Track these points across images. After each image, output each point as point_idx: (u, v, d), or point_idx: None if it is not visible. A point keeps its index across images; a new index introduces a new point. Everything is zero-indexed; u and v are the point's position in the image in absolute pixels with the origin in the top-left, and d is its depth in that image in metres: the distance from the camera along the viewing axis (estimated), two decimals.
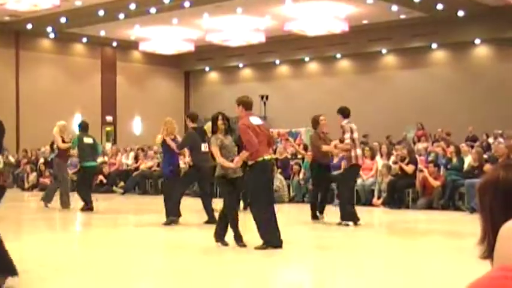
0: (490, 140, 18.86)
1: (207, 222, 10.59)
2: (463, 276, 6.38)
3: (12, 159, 23.02)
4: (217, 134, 8.32)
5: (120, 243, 9.07)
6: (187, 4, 20.57)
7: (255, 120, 8.30)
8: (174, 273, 6.93)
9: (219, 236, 8.14)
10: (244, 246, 8.04)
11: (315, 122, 11.40)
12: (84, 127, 14.15)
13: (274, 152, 15.27)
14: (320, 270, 7.29)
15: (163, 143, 10.91)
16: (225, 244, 8.11)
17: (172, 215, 10.60)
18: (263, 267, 7.19)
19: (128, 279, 6.59)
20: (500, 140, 18.80)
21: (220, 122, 8.35)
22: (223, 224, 8.16)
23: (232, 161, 8.05)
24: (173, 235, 9.88)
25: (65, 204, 13.61)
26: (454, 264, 7.27)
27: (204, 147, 10.59)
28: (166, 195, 10.90)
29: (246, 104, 8.36)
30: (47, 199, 13.96)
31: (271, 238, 7.95)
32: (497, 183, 1.71)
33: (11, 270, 5.66)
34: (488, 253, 1.69)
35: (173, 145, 10.74)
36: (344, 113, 10.65)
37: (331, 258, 7.95)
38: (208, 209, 10.82)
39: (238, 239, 8.10)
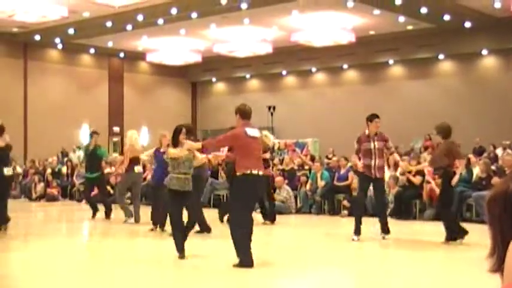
0: (498, 151, 18.81)
1: (199, 232, 10.69)
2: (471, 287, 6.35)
3: (19, 170, 23.09)
4: (175, 148, 8.01)
5: (125, 254, 9.06)
6: (194, 15, 20.65)
7: (252, 132, 7.71)
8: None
9: (177, 247, 7.97)
10: (182, 258, 7.86)
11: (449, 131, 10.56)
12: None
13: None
14: (324, 282, 7.26)
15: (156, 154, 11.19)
16: (182, 257, 7.90)
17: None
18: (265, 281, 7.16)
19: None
20: (509, 151, 18.75)
21: (182, 136, 8.08)
22: (182, 235, 8.04)
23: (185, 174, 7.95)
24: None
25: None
26: (462, 276, 7.23)
27: None
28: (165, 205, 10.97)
29: (243, 113, 7.85)
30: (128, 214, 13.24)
31: (244, 257, 7.37)
32: (507, 195, 1.70)
33: None
34: (498, 266, 1.68)
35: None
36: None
37: (338, 269, 7.92)
38: (201, 219, 10.89)
39: (180, 250, 7.94)
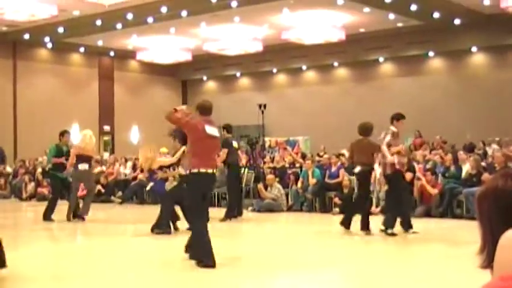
0: (488, 148, 18.90)
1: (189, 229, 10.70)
2: (461, 284, 6.38)
3: (9, 169, 22.99)
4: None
5: (116, 253, 9.05)
6: (184, 13, 20.61)
7: (211, 130, 7.58)
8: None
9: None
10: None
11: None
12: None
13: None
14: (317, 280, 7.28)
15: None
16: None
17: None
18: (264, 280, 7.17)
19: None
20: (494, 146, 18.86)
21: None
22: None
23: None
24: (164, 244, 9.85)
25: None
26: (452, 272, 7.26)
27: None
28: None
29: (202, 108, 7.71)
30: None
31: (204, 256, 7.34)
32: (496, 192, 1.71)
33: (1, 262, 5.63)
34: (488, 262, 1.69)
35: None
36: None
37: (330, 267, 7.93)
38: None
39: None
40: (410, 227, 10.62)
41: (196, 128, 7.50)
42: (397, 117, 10.61)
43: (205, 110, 7.70)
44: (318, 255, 8.93)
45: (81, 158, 13.12)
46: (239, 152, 14.59)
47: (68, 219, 13.26)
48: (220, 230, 11.10)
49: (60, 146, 13.84)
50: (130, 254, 8.67)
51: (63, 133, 14.08)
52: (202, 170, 7.36)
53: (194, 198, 7.54)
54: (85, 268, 7.93)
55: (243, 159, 16.79)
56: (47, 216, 13.41)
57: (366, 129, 10.81)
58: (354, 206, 11.12)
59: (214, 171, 7.57)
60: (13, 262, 6.63)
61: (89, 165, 13.45)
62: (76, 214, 13.42)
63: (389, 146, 10.43)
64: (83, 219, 13.33)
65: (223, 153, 12.95)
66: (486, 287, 1.51)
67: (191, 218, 7.63)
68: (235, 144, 13.60)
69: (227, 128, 13.62)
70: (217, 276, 7.12)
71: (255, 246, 9.92)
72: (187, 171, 7.57)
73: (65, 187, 13.86)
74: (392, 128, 10.58)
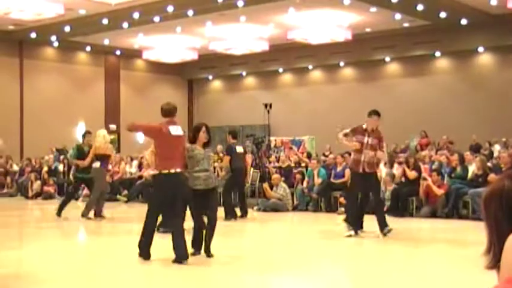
0: (495, 148, 18.85)
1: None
2: (467, 285, 6.37)
3: (16, 167, 23.06)
4: (194, 145, 7.97)
5: (122, 252, 9.06)
6: (190, 13, 20.62)
7: (175, 130, 7.85)
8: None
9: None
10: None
11: None
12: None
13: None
14: (320, 279, 7.27)
15: None
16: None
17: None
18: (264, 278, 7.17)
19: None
20: (496, 146, 18.81)
21: (202, 133, 8.04)
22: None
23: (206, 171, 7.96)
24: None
25: None
26: (458, 273, 7.24)
27: None
28: None
29: (164, 111, 8.06)
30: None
31: (179, 252, 7.60)
32: (502, 193, 1.71)
33: None
34: (494, 263, 1.69)
35: None
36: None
37: (334, 266, 7.93)
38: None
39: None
40: (361, 227, 10.41)
41: (161, 131, 7.76)
42: (369, 114, 10.38)
43: (168, 112, 8.02)
44: (323, 254, 8.93)
45: (97, 156, 13.34)
46: (247, 156, 14.47)
47: (83, 216, 13.38)
48: (223, 229, 11.11)
49: (82, 146, 13.97)
50: (136, 252, 8.66)
51: (85, 134, 14.25)
52: (172, 171, 7.61)
53: (162, 199, 7.75)
54: (91, 266, 7.95)
55: (249, 160, 16.73)
56: (59, 212, 13.68)
57: None
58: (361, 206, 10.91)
59: (180, 170, 7.75)
60: (17, 260, 6.65)
61: (101, 163, 13.49)
62: (96, 213, 13.59)
63: (345, 135, 10.35)
64: (102, 217, 13.49)
65: (226, 160, 13.25)
66: None
67: (166, 218, 7.82)
68: (239, 149, 13.58)
69: (232, 133, 13.70)
70: (220, 274, 7.13)
71: (258, 245, 9.92)
72: (158, 173, 7.77)
73: (88, 186, 14.27)
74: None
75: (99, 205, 13.54)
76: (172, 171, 7.60)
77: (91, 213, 13.37)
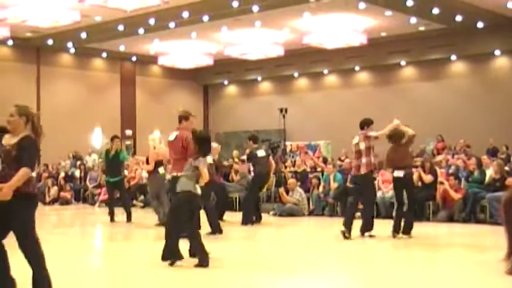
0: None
1: (211, 233, 10.93)
2: None
3: (33, 174, 23.19)
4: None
5: (139, 257, 9.08)
6: (205, 18, 20.68)
7: (170, 136, 9.27)
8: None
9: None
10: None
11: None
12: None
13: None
14: (335, 283, 7.25)
15: None
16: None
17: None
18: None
19: None
20: None
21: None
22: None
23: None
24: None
25: None
26: (476, 278, 7.18)
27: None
28: None
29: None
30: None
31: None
32: None
33: None
34: None
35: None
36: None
37: (349, 271, 7.90)
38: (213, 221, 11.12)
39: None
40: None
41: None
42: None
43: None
44: (338, 258, 8.89)
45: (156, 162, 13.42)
46: (270, 158, 14.21)
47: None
48: (240, 234, 11.13)
49: (109, 151, 14.33)
50: (153, 257, 8.68)
51: (113, 139, 14.53)
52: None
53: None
54: (105, 270, 7.98)
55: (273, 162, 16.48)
56: (111, 218, 13.97)
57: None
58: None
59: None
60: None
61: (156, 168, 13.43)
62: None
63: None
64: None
65: (243, 167, 13.37)
66: None
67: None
68: (260, 153, 13.33)
69: (253, 138, 13.51)
70: (234, 277, 7.13)
71: (274, 250, 9.91)
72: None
73: (118, 190, 14.48)
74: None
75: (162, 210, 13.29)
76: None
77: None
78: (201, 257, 7.65)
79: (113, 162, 14.07)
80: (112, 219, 13.93)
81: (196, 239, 7.73)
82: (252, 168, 14.80)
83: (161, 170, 13.32)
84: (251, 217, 13.20)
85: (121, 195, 14.57)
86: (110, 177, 14.15)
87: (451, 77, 25.15)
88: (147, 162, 13.52)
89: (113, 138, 14.42)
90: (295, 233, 12.87)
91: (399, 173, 10.64)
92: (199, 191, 7.79)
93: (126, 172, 20.55)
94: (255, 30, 22.65)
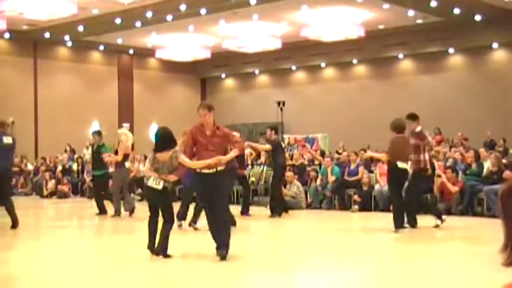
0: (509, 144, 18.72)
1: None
2: (483, 282, 6.33)
3: (30, 167, 23.20)
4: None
5: (136, 250, 9.09)
6: (203, 11, 20.65)
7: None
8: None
9: None
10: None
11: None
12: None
13: None
14: (334, 276, 7.26)
15: None
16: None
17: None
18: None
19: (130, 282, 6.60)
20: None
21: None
22: None
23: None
24: (186, 240, 9.88)
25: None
26: (474, 270, 7.20)
27: None
28: (185, 201, 11.50)
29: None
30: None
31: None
32: None
33: None
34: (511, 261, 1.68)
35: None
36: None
37: (348, 264, 7.91)
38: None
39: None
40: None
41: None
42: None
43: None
44: (336, 252, 8.91)
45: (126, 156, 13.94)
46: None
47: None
48: (238, 227, 11.12)
49: (93, 145, 14.81)
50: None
51: (99, 133, 14.75)
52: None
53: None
54: (103, 263, 7.99)
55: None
56: (100, 211, 14.04)
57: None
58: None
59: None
60: (30, 259, 6.69)
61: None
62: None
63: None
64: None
65: (265, 147, 13.44)
66: (507, 287, 1.50)
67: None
68: (283, 144, 13.66)
69: (275, 129, 13.67)
70: (234, 271, 7.14)
71: (272, 243, 9.93)
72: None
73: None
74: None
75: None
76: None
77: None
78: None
79: (94, 157, 14.36)
80: (101, 212, 13.92)
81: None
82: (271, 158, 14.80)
83: (127, 163, 14.02)
84: (282, 207, 13.51)
85: (106, 189, 14.74)
86: (93, 171, 14.50)
87: (449, 69, 25.16)
88: (116, 153, 13.96)
89: (93, 134, 14.76)
90: (293, 226, 12.88)
91: (404, 165, 10.67)
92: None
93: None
94: (252, 23, 22.63)
